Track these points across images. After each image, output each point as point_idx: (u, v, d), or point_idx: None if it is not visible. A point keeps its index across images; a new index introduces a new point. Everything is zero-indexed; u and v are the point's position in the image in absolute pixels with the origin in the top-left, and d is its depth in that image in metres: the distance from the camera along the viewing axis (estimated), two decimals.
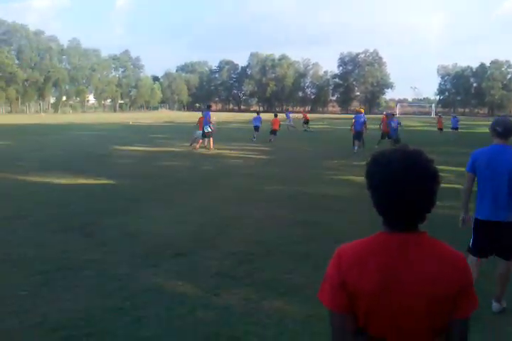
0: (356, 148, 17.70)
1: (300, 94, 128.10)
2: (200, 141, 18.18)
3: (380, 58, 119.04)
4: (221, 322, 3.57)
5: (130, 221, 6.76)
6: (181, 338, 3.33)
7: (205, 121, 17.65)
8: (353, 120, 19.06)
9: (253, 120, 24.07)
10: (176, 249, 5.36)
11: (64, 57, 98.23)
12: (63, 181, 10.35)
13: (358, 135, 18.11)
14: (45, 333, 3.40)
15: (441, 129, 28.45)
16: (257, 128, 23.38)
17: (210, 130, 17.69)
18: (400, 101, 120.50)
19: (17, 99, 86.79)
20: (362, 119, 18.43)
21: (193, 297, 4.05)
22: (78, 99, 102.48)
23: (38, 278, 4.45)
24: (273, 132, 22.62)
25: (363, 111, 20.09)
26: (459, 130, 27.83)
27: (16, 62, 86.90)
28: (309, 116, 28.48)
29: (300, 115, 31.01)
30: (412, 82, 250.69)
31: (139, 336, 3.36)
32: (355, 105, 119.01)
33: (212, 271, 4.66)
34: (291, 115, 34.61)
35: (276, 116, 23.53)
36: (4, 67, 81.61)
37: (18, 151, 17.35)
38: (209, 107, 19.79)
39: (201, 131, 18.02)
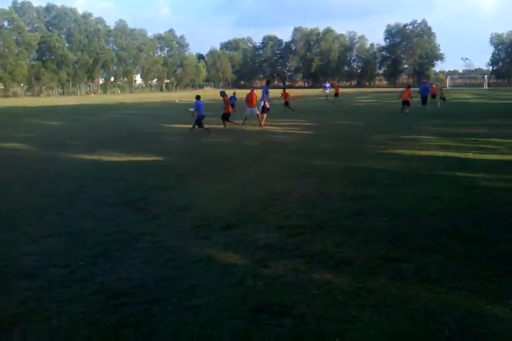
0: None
1: (346, 68, 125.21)
2: (265, 115, 18.37)
3: (429, 29, 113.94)
4: (271, 292, 3.62)
5: (180, 195, 6.92)
6: (232, 306, 3.41)
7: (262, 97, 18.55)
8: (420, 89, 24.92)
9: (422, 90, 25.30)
10: (224, 222, 5.45)
11: (111, 38, 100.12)
12: (115, 158, 10.69)
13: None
14: (104, 300, 3.56)
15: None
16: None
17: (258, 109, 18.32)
18: (450, 73, 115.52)
19: (68, 81, 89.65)
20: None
21: (243, 268, 4.12)
22: (126, 79, 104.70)
23: (96, 250, 4.66)
24: (406, 103, 23.44)
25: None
26: None
27: (66, 45, 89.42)
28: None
29: None
30: (463, 52, 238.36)
31: (191, 304, 3.47)
32: (403, 78, 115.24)
33: (261, 243, 4.71)
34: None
35: (408, 87, 24.65)
36: (56, 51, 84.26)
37: (72, 131, 18.02)
38: (253, 88, 20.05)
39: (250, 109, 18.31)
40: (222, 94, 18.29)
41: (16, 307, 3.47)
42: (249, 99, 18.28)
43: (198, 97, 16.68)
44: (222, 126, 17.44)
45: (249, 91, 18.68)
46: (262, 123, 17.93)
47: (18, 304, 3.51)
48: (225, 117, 17.76)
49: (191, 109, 16.68)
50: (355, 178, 7.92)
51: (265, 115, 18.31)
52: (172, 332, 3.08)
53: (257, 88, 20.11)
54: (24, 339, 3.06)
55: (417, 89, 25.93)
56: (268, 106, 18.89)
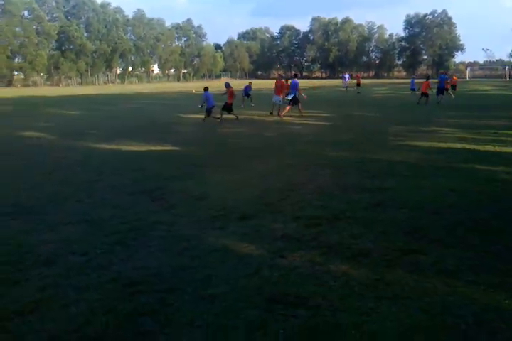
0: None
1: (364, 58, 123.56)
2: (288, 107, 18.15)
3: (450, 19, 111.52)
4: (287, 283, 3.61)
5: (196, 185, 6.94)
6: (248, 296, 3.41)
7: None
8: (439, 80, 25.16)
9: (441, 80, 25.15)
10: (241, 212, 5.45)
11: (129, 28, 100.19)
12: (133, 148, 10.75)
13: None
14: (120, 288, 3.59)
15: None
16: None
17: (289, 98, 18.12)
18: (470, 64, 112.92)
19: (87, 70, 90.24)
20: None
21: (259, 258, 4.11)
22: (143, 69, 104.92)
23: (113, 238, 4.69)
24: (425, 95, 23.70)
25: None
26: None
27: (85, 34, 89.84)
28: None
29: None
30: (484, 43, 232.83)
31: (207, 293, 3.48)
32: (422, 69, 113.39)
33: (278, 234, 4.70)
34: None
35: (428, 78, 25.05)
36: (74, 40, 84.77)
37: (91, 120, 18.16)
38: (280, 76, 20.41)
39: (277, 97, 18.28)
40: (227, 85, 17.98)
41: (35, 294, 3.52)
42: (276, 86, 18.34)
43: (206, 89, 16.61)
44: (235, 117, 17.24)
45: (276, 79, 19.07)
46: (281, 114, 17.81)
47: (37, 291, 3.57)
48: (227, 108, 17.21)
49: (200, 106, 16.72)
50: (372, 170, 7.84)
51: (288, 107, 18.06)
52: (188, 321, 3.10)
53: (282, 77, 20.11)
54: (43, 325, 3.11)
55: (437, 80, 25.97)
56: (305, 97, 18.95)
